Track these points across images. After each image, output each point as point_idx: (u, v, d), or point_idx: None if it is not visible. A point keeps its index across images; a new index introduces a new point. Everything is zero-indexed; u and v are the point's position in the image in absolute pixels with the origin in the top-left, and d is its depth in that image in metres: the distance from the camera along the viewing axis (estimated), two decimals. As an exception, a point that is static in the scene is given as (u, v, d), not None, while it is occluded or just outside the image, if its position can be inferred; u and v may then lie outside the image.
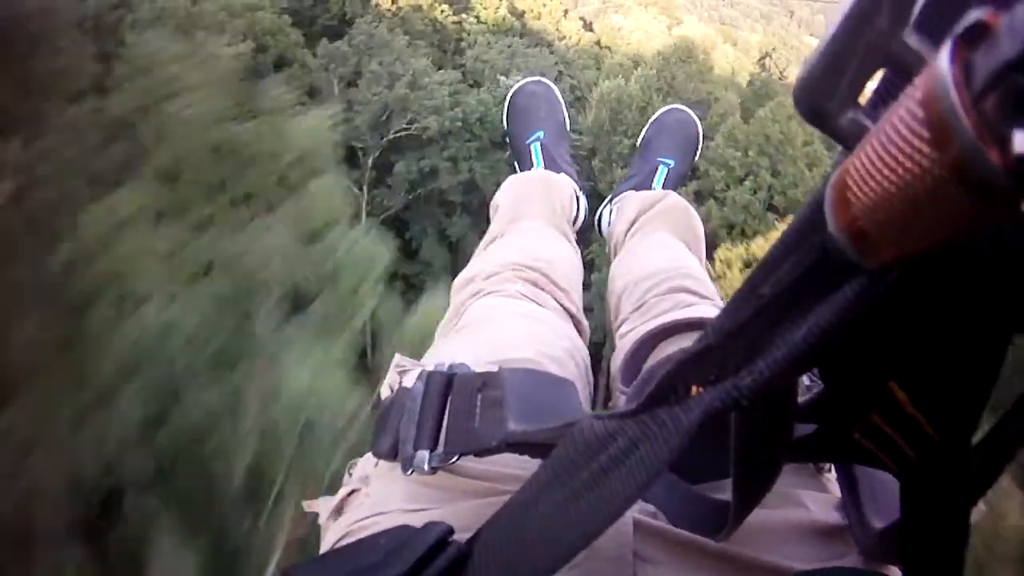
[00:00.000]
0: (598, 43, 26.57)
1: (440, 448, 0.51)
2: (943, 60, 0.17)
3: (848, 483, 0.46)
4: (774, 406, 0.31)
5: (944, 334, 0.25)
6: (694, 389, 0.26)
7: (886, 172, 0.18)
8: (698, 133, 1.45)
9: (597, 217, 1.44)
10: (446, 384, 0.55)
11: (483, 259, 0.99)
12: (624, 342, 0.87)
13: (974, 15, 0.18)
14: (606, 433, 0.28)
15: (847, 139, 0.24)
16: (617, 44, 27.18)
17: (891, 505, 0.36)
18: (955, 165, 0.17)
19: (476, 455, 0.49)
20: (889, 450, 0.30)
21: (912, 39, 0.24)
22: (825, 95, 0.24)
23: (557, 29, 25.27)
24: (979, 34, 0.18)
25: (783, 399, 0.31)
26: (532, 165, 1.33)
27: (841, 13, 0.24)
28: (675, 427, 0.25)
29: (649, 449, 0.25)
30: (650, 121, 1.49)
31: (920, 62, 0.24)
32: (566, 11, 26.63)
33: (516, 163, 1.41)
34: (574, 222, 1.26)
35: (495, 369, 0.56)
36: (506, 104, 1.44)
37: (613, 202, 1.39)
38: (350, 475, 0.59)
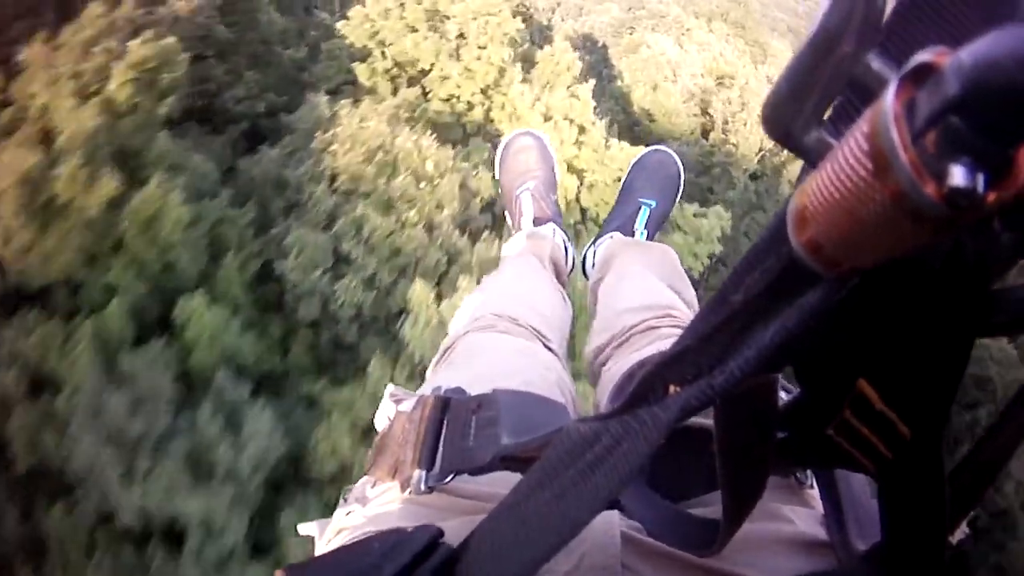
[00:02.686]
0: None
1: (436, 468, 0.52)
2: (887, 98, 0.19)
3: (832, 505, 0.47)
4: (755, 405, 0.33)
5: (908, 334, 0.26)
6: (672, 389, 0.27)
7: (836, 196, 0.20)
8: (679, 173, 1.48)
9: (582, 259, 1.48)
10: (442, 407, 0.57)
11: (466, 308, 1.03)
12: (609, 375, 0.89)
13: (922, 56, 0.20)
14: (591, 434, 0.29)
15: (812, 157, 0.26)
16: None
17: (875, 528, 0.37)
18: (895, 195, 0.18)
19: (471, 473, 0.51)
20: (864, 448, 0.32)
21: (875, 62, 0.26)
22: (791, 116, 0.26)
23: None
24: (925, 73, 0.19)
25: (763, 398, 0.33)
26: (521, 215, 1.36)
27: (807, 38, 0.26)
28: (654, 424, 0.27)
29: (630, 445, 0.27)
30: (631, 163, 1.53)
31: (882, 84, 0.26)
32: (534, 98, 11.17)
33: (506, 212, 1.45)
34: (562, 268, 1.30)
35: (489, 392, 0.57)
36: (499, 154, 1.47)
37: (596, 244, 1.43)
38: (345, 499, 0.61)
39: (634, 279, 1.15)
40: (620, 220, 1.42)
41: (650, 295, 1.05)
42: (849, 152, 0.19)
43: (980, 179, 0.17)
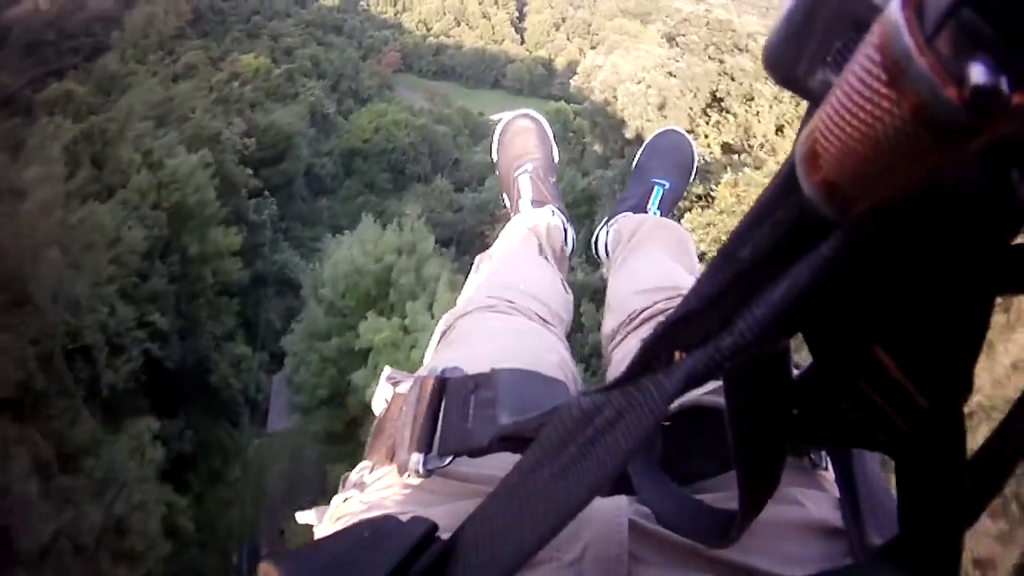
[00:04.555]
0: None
1: (435, 451, 0.51)
2: (895, 5, 0.17)
3: (849, 496, 0.45)
4: (768, 379, 0.31)
5: (924, 292, 0.25)
6: (677, 355, 0.26)
7: (849, 120, 0.19)
8: (692, 155, 1.46)
9: (594, 239, 1.45)
10: (439, 388, 0.55)
11: (466, 291, 1.02)
12: (619, 357, 0.88)
13: None
14: (592, 407, 0.28)
15: (818, 99, 0.24)
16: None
17: (892, 522, 0.35)
18: (914, 106, 0.17)
19: (470, 455, 0.49)
20: (880, 423, 0.30)
21: None
22: (794, 58, 0.24)
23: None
24: None
25: (776, 371, 0.31)
26: (519, 197, 1.33)
27: None
28: (658, 392, 0.25)
29: (633, 417, 0.25)
30: (645, 143, 1.50)
31: None
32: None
33: (504, 195, 1.41)
34: (562, 252, 1.27)
35: (488, 371, 0.56)
36: (496, 136, 1.43)
37: (609, 224, 1.40)
38: (344, 485, 0.59)
39: (648, 259, 1.13)
40: (633, 200, 1.39)
41: (664, 276, 1.03)
42: (860, 69, 0.18)
43: (1003, 80, 0.16)
